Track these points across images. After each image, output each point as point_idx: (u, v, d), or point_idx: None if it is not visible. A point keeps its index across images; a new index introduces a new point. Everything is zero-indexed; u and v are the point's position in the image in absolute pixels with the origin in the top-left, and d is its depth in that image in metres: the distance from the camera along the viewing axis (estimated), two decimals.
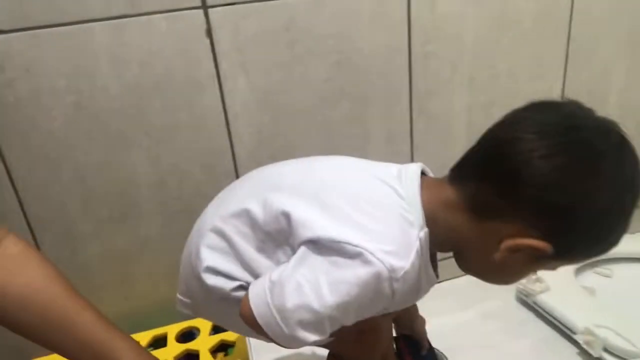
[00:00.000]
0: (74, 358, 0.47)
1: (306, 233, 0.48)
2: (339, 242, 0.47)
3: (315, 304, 0.46)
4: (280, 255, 0.51)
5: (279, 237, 0.50)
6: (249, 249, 0.51)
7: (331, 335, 0.51)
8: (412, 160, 0.93)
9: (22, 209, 0.75)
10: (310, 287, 0.46)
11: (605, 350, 0.80)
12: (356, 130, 0.88)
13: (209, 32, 0.73)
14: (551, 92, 0.97)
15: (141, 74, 0.73)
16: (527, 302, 0.95)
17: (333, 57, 0.81)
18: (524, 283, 0.95)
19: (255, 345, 0.92)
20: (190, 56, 0.74)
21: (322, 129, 0.85)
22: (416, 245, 0.48)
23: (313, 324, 0.47)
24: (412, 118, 0.90)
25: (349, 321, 0.50)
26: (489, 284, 1.03)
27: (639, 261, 1.04)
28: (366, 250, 0.46)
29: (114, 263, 0.83)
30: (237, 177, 0.83)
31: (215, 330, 0.84)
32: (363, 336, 0.57)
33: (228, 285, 0.52)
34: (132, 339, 0.49)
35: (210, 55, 0.75)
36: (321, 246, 0.47)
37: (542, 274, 0.95)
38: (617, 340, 0.79)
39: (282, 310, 0.47)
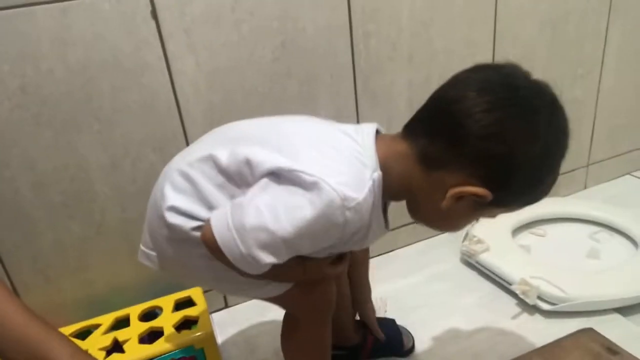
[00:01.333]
0: (10, 357, 0.47)
1: (266, 165, 0.52)
2: (296, 170, 0.51)
3: (272, 225, 0.50)
4: (239, 195, 0.54)
5: (239, 179, 0.54)
6: (209, 187, 0.55)
7: (279, 277, 0.55)
8: None
9: None
10: (268, 210, 0.50)
11: (539, 298, 0.89)
12: (305, 109, 0.91)
13: (154, 14, 0.75)
14: None
15: (87, 56, 0.73)
16: (471, 263, 1.03)
17: (278, 38, 0.84)
18: (466, 245, 1.02)
19: (218, 320, 0.95)
20: (137, 38, 0.75)
21: (273, 108, 0.88)
22: (369, 183, 0.53)
23: (269, 245, 0.51)
24: (356, 95, 0.95)
25: (305, 249, 0.55)
26: (436, 250, 1.11)
27: (568, 221, 1.14)
28: (321, 179, 0.50)
29: (70, 249, 0.83)
30: None
31: (178, 308, 0.86)
32: (313, 289, 0.61)
33: (189, 224, 0.55)
34: (68, 339, 0.50)
35: (157, 36, 0.76)
36: (280, 176, 0.52)
37: (482, 235, 1.03)
38: (549, 288, 0.88)
39: (240, 230, 0.50)
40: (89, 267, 0.86)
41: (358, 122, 0.97)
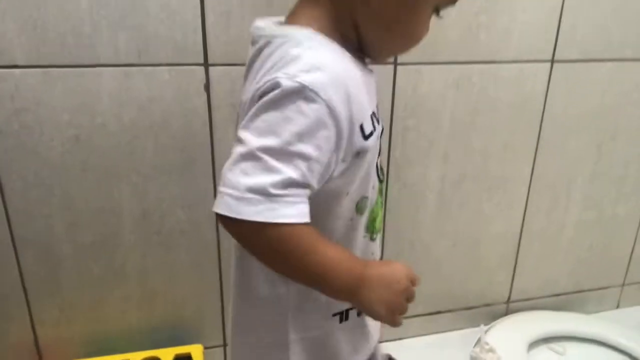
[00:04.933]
0: None
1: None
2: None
3: (251, 140, 0.46)
4: None
5: None
6: None
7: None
8: (384, 223, 0.98)
9: (9, 225, 0.80)
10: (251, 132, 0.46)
11: None
12: None
13: (207, 87, 0.80)
14: (520, 174, 1.04)
15: (139, 116, 0.79)
16: None
17: None
18: (476, 352, 0.99)
19: None
20: (187, 106, 0.80)
21: None
22: (306, 37, 0.49)
23: (254, 165, 0.45)
24: (387, 183, 0.96)
25: (284, 144, 0.46)
26: (446, 348, 1.07)
27: (591, 342, 1.08)
28: (278, 77, 0.46)
29: (87, 288, 0.87)
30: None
31: None
32: None
33: None
34: None
35: (206, 107, 0.81)
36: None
37: (496, 344, 0.99)
38: None
39: (224, 177, 0.46)
40: (101, 307, 0.89)
41: (384, 208, 0.98)
